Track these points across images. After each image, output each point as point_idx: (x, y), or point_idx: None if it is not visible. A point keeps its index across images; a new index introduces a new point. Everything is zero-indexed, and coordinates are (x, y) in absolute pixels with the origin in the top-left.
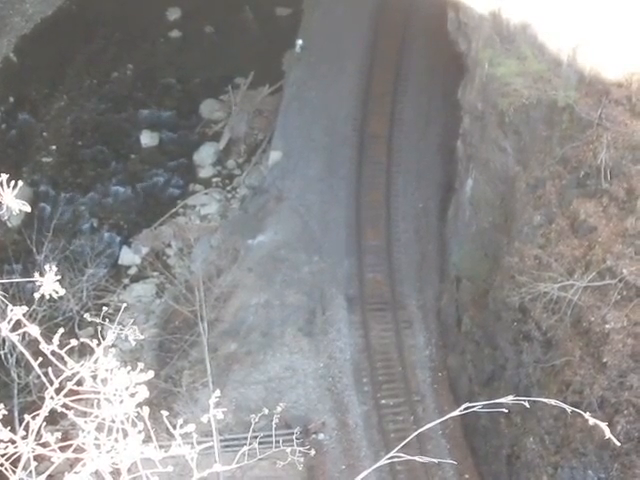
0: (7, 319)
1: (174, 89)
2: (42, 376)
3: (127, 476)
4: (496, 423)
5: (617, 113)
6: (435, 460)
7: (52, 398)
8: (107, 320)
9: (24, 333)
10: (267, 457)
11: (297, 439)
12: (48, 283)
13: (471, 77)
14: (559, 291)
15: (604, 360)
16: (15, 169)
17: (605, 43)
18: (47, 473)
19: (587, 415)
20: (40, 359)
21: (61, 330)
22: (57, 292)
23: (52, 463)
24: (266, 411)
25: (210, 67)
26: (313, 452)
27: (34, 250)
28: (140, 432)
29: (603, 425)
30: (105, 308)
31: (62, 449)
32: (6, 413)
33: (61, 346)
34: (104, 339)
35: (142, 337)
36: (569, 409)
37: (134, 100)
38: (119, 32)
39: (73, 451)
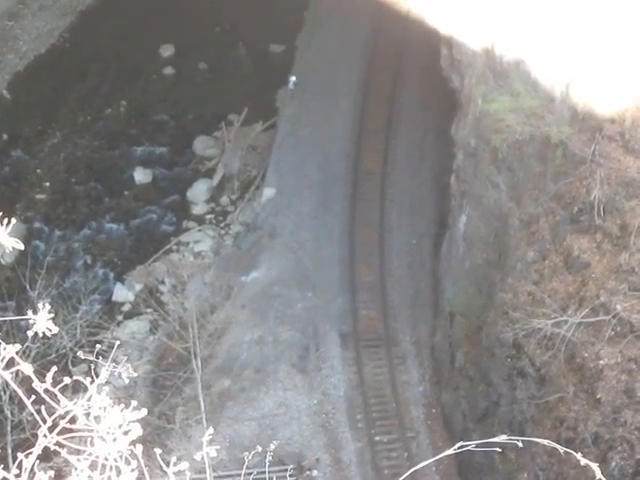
0: (0, 357)
1: (167, 126)
2: (35, 414)
3: None
4: (490, 459)
5: (610, 149)
6: None
7: (45, 436)
8: (100, 357)
9: (17, 370)
10: None
11: (291, 476)
12: (41, 321)
13: (464, 113)
14: (553, 327)
15: (598, 396)
16: (9, 206)
17: (598, 79)
18: None
19: (579, 456)
20: (33, 396)
21: (54, 368)
22: (50, 330)
23: None
24: (260, 448)
25: (203, 104)
26: None
27: (27, 287)
28: (133, 470)
29: (594, 466)
30: (99, 345)
31: None
32: None
33: (54, 384)
34: (97, 376)
35: (136, 374)
36: (562, 449)
37: (128, 137)
38: (113, 69)
39: None
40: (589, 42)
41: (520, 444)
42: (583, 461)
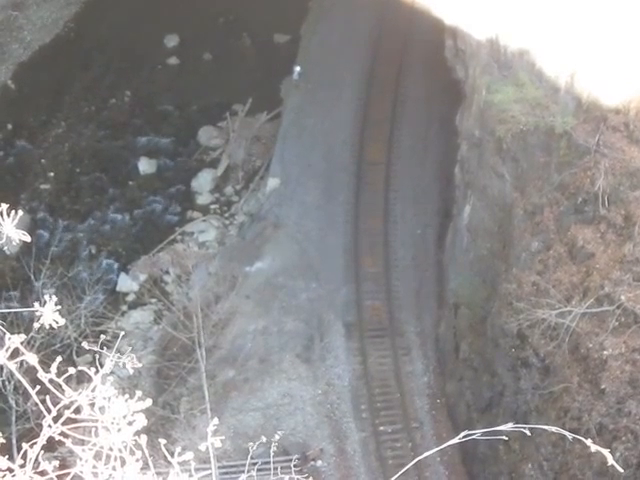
0: (5, 347)
1: (172, 116)
2: (40, 404)
3: None
4: (494, 450)
5: (615, 140)
6: None
7: (50, 426)
8: (105, 347)
9: (22, 360)
10: None
11: (295, 466)
12: (48, 313)
13: (469, 104)
14: (557, 318)
15: (602, 387)
16: (13, 196)
17: (603, 69)
18: None
19: (589, 442)
20: (38, 387)
21: (59, 358)
22: (57, 322)
23: None
24: (264, 439)
25: (208, 94)
26: (311, 479)
27: (32, 277)
28: (138, 460)
29: (606, 452)
30: (103, 335)
31: (60, 477)
32: (4, 441)
33: (59, 374)
34: (102, 367)
35: (140, 364)
36: (570, 436)
37: (132, 127)
38: (117, 59)
39: (71, 479)
40: (593, 32)
41: (528, 432)
42: (594, 447)
